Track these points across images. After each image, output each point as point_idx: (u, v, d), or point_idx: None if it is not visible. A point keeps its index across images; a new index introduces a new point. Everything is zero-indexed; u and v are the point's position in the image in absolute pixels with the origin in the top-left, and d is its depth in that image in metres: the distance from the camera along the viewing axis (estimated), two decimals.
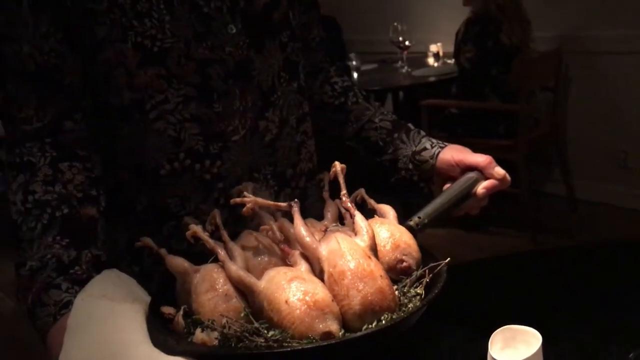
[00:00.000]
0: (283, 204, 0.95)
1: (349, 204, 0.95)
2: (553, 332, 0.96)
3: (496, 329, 0.91)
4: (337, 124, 1.25)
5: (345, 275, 0.81)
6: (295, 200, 0.94)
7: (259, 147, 1.07)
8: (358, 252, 0.86)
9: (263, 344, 0.78)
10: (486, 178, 1.08)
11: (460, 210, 1.08)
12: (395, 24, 4.10)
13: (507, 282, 1.33)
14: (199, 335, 0.83)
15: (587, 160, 4.03)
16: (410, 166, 1.17)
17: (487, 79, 3.59)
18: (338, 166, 0.99)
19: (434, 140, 1.17)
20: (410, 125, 1.22)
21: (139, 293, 0.91)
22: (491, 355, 0.87)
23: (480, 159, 1.08)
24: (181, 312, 0.88)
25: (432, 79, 3.88)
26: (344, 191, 0.97)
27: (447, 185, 1.09)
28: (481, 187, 1.06)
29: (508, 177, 1.08)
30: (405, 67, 4.12)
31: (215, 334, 0.82)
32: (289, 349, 0.76)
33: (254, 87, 1.04)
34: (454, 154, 1.12)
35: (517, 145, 3.48)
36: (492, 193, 1.07)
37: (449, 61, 4.18)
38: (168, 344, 0.81)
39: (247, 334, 0.80)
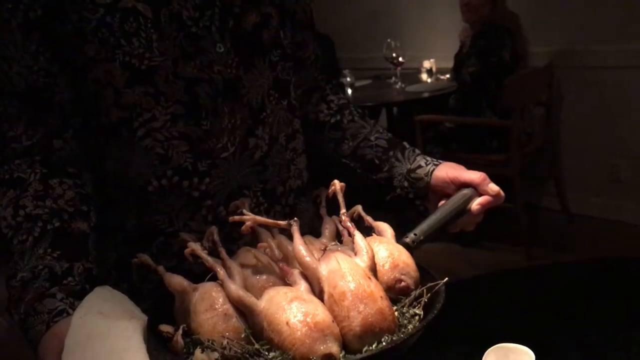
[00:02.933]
0: (282, 223, 0.95)
1: (349, 223, 0.95)
2: (545, 349, 0.96)
3: (490, 347, 0.92)
4: (333, 142, 1.25)
5: (345, 296, 0.81)
6: (295, 219, 0.94)
7: (249, 164, 1.07)
8: (358, 272, 0.86)
9: None
10: (480, 194, 1.08)
11: (455, 227, 1.08)
12: (389, 40, 4.12)
13: (502, 298, 1.33)
14: (199, 355, 0.82)
15: (581, 174, 4.04)
16: (406, 184, 1.17)
17: (485, 94, 3.62)
18: (337, 185, 1.00)
19: (429, 158, 1.17)
20: (405, 143, 1.23)
21: (134, 311, 0.90)
22: None
23: (474, 175, 1.08)
24: (180, 332, 0.87)
25: (425, 94, 3.90)
26: (343, 210, 0.97)
27: (442, 202, 1.09)
28: (476, 204, 1.07)
29: (502, 193, 1.08)
30: (399, 83, 4.14)
31: (216, 354, 0.81)
32: None
33: (243, 106, 1.04)
34: (448, 171, 1.12)
35: (510, 160, 3.50)
36: (486, 209, 1.07)
37: (442, 77, 4.21)
38: None
39: (247, 355, 0.80)
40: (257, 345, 0.81)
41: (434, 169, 1.14)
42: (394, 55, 4.11)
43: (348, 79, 4.25)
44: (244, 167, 1.06)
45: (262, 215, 0.97)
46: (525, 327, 1.17)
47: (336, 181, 1.00)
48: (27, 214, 0.90)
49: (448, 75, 4.14)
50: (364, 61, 4.99)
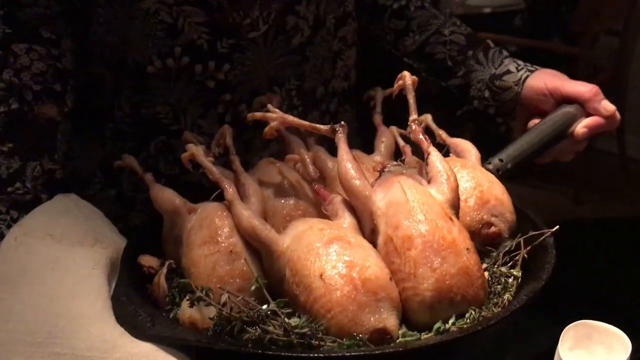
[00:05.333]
0: (323, 127, 0.67)
1: (421, 135, 0.65)
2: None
3: (570, 322, 0.65)
4: (394, 33, 1.02)
5: (413, 243, 0.57)
6: (342, 122, 0.66)
7: (284, 51, 0.87)
8: (434, 209, 0.58)
9: (281, 337, 0.51)
10: (588, 114, 0.87)
11: (548, 155, 0.88)
12: None
13: (590, 257, 1.03)
14: (187, 310, 0.56)
15: None
16: (487, 94, 0.94)
17: (555, 16, 3.27)
18: (408, 78, 0.70)
19: (521, 63, 0.95)
20: (489, 42, 1.00)
21: (105, 232, 0.66)
22: (561, 359, 0.61)
23: (583, 88, 0.87)
24: (164, 270, 0.61)
25: (487, 10, 3.50)
26: (414, 115, 0.68)
27: (533, 122, 0.89)
28: (581, 126, 0.86)
29: (618, 114, 0.88)
30: None
31: (211, 310, 0.54)
32: (321, 355, 0.48)
33: None
34: (547, 80, 0.91)
35: None
36: (594, 134, 0.87)
37: None
38: (138, 321, 0.54)
39: (257, 319, 0.53)
40: (273, 305, 0.54)
41: (527, 77, 0.92)
42: None
43: None
44: (277, 54, 0.87)
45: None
46: (615, 302, 0.90)
47: (406, 73, 0.70)
48: None
49: None
50: None
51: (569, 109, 0.87)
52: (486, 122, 0.97)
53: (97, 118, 0.88)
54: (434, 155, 0.63)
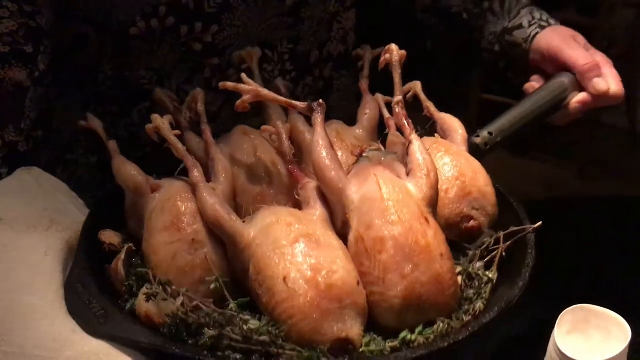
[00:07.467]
0: (300, 104, 0.62)
1: (404, 120, 0.60)
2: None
3: (568, 306, 0.62)
4: None
5: (384, 246, 0.53)
6: (320, 101, 0.60)
7: (277, 12, 0.81)
8: (410, 209, 0.54)
9: (240, 344, 0.49)
10: (582, 88, 0.81)
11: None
12: None
13: (587, 238, 0.95)
14: (143, 305, 0.53)
15: None
16: (497, 48, 0.89)
17: None
18: (395, 52, 0.63)
19: (537, 16, 0.88)
20: None
21: (66, 210, 0.61)
22: (556, 343, 0.59)
23: (580, 59, 0.81)
24: (123, 256, 0.57)
25: None
26: (398, 95, 0.63)
27: (531, 85, 0.84)
28: (575, 100, 0.81)
29: (613, 92, 0.81)
30: None
31: (169, 306, 0.52)
32: None
33: None
34: (551, 41, 0.85)
35: None
36: (593, 109, 0.82)
37: None
38: (91, 316, 0.51)
39: (216, 320, 0.50)
40: (232, 305, 0.51)
41: (536, 34, 0.86)
42: None
43: None
44: (269, 15, 0.81)
45: (286, 89, 0.74)
46: (616, 287, 0.84)
47: (393, 47, 0.64)
48: None
49: None
50: None
51: (564, 79, 0.81)
52: (500, 75, 0.92)
53: (79, 81, 0.82)
54: (416, 145, 0.58)
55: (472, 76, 2.37)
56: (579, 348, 0.59)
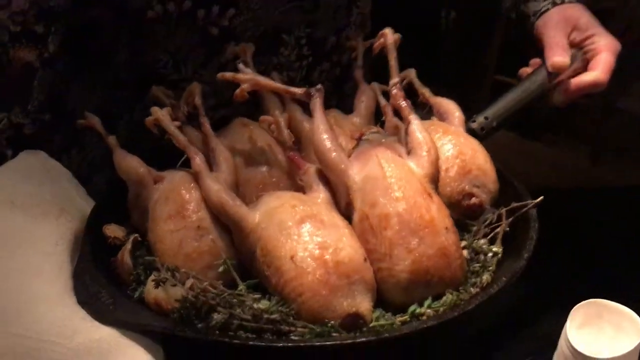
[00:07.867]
0: (298, 91, 0.62)
1: (402, 102, 0.61)
2: None
3: (579, 301, 0.61)
4: None
5: (389, 222, 0.53)
6: (319, 86, 0.61)
7: None
8: (413, 185, 0.54)
9: (250, 324, 0.49)
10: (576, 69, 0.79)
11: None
12: None
13: (602, 230, 0.92)
14: (152, 292, 0.53)
15: None
16: (513, 15, 0.88)
17: None
18: (390, 36, 0.64)
19: None
20: None
21: (71, 197, 0.61)
22: (567, 337, 0.58)
23: (551, 40, 0.79)
24: (129, 246, 0.58)
25: None
26: (395, 79, 0.63)
27: (525, 70, 0.82)
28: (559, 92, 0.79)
29: (600, 81, 0.78)
30: None
31: (178, 291, 0.52)
32: (289, 344, 0.46)
33: None
34: (549, 22, 0.82)
35: None
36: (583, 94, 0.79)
37: None
38: (100, 304, 0.51)
39: (226, 301, 0.50)
40: (241, 286, 0.52)
41: (546, 10, 0.83)
42: None
43: None
44: None
45: (281, 82, 0.69)
46: (626, 281, 0.80)
47: (388, 31, 0.65)
48: None
49: None
50: None
51: None
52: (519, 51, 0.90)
53: (95, 64, 0.80)
54: (415, 124, 0.59)
55: (487, 58, 2.38)
56: (590, 342, 0.59)
